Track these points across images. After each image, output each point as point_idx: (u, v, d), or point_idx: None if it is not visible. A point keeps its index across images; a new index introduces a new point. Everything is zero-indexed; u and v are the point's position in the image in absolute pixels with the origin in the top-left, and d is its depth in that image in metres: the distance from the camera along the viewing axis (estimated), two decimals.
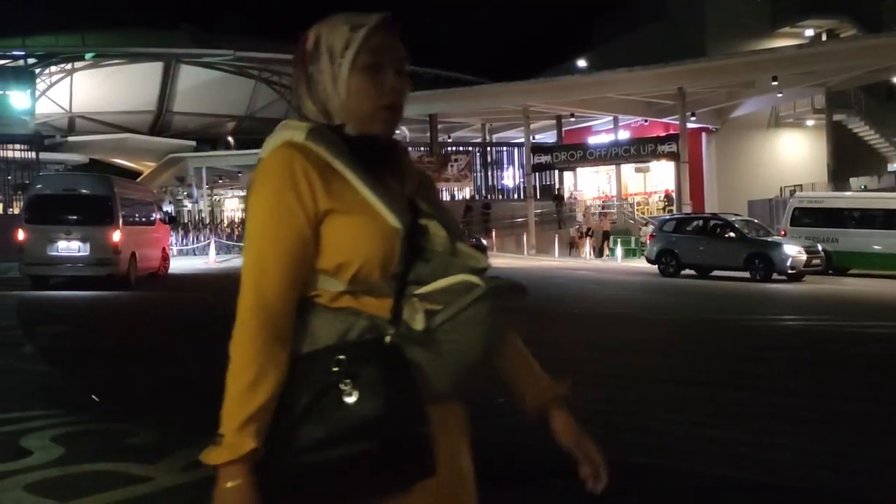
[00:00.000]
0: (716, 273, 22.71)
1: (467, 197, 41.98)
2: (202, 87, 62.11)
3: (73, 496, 4.59)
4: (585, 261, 30.47)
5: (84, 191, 18.68)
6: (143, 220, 21.32)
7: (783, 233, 23.69)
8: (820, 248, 22.17)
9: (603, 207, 40.52)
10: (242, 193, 69.94)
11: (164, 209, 29.58)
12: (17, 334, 11.20)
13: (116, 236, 18.01)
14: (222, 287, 19.79)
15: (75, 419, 6.32)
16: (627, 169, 39.87)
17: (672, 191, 38.05)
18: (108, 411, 6.78)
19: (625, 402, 7.16)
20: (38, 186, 19.65)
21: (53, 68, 55.64)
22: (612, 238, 32.97)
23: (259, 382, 1.45)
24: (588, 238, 32.87)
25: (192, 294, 18.59)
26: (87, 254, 17.90)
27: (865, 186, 32.82)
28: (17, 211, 36.28)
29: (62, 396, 7.40)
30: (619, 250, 30.63)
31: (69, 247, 17.94)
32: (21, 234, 17.93)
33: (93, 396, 7.27)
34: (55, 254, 17.91)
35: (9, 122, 37.41)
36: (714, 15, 39.95)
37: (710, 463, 5.40)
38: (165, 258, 22.87)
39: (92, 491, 4.68)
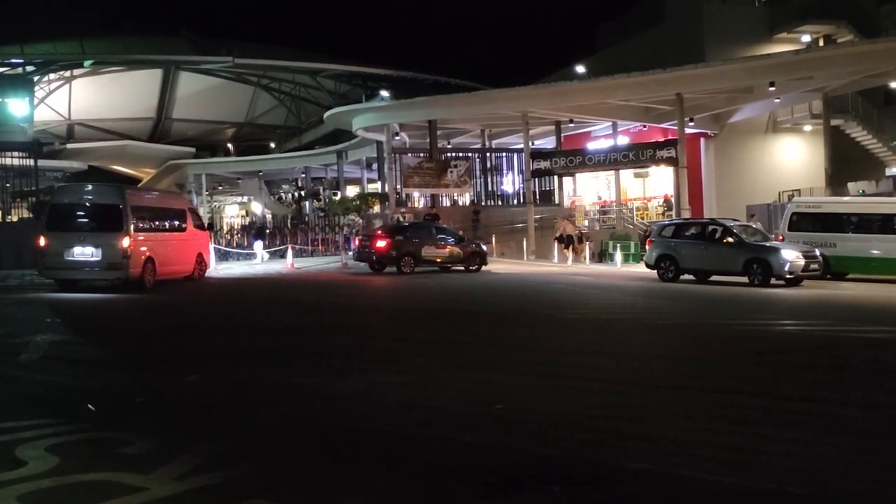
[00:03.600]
0: (714, 278, 22.71)
1: (468, 202, 41.95)
2: (201, 93, 62.19)
3: None
4: (585, 266, 30.45)
5: (97, 200, 19.88)
6: (167, 227, 21.99)
7: (781, 237, 23.67)
8: (818, 252, 22.14)
9: (591, 213, 40.44)
10: (242, 200, 70.21)
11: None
12: (13, 342, 11.17)
13: (125, 242, 18.99)
14: (240, 295, 19.84)
15: (71, 428, 6.31)
16: (626, 174, 39.88)
17: (671, 196, 38.06)
18: (104, 420, 6.77)
19: (624, 408, 7.15)
20: (58, 196, 21.43)
21: (52, 75, 55.63)
22: (608, 243, 32.87)
23: None
24: (588, 243, 32.83)
25: (201, 300, 18.57)
26: (98, 259, 19.04)
27: (863, 191, 32.81)
28: (15, 219, 36.34)
29: (58, 405, 7.38)
30: (618, 255, 30.62)
31: (83, 252, 19.03)
32: (42, 241, 19.22)
33: (88, 405, 7.25)
34: (71, 258, 19.03)
35: (7, 130, 37.44)
36: (712, 21, 39.99)
37: (709, 469, 5.39)
38: (201, 263, 23.38)
39: (86, 501, 4.67)
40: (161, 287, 20.13)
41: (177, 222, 22.50)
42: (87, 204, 19.88)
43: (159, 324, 14.12)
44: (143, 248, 19.78)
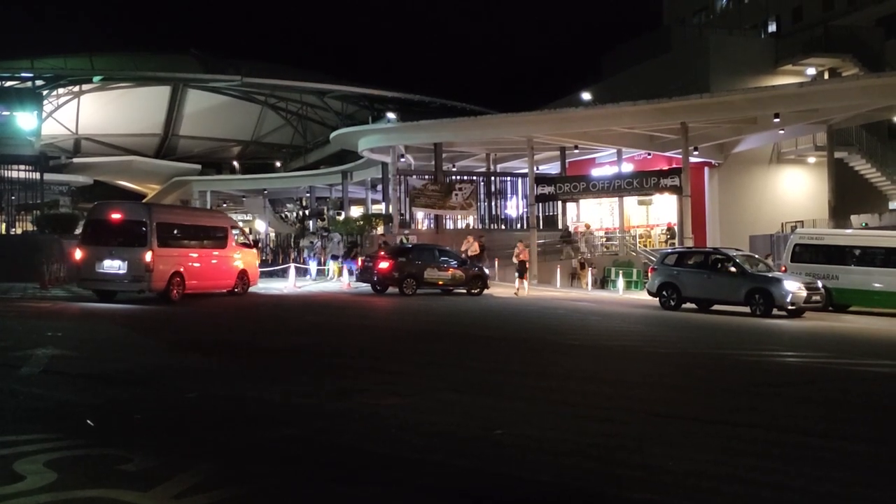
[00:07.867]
0: (716, 307, 22.69)
1: (471, 225, 41.99)
2: (209, 111, 62.52)
3: None
4: (588, 292, 30.44)
5: (126, 217, 21.23)
6: (203, 243, 23.04)
7: (783, 268, 23.68)
8: (820, 284, 22.16)
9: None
10: (246, 217, 70.30)
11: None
12: (14, 356, 11.15)
13: (148, 257, 20.16)
14: (249, 313, 19.84)
15: (70, 444, 6.30)
16: (630, 201, 39.97)
17: (674, 224, 38.09)
18: (103, 436, 6.76)
19: (624, 437, 7.12)
20: (92, 213, 22.98)
21: (61, 90, 55.99)
22: (611, 270, 32.81)
23: None
24: (590, 270, 32.79)
25: (218, 318, 18.56)
26: (125, 272, 20.34)
27: (866, 224, 32.87)
28: (20, 231, 36.41)
29: (57, 420, 7.37)
30: (620, 282, 30.61)
31: (112, 265, 20.40)
32: (78, 253, 20.83)
33: (88, 421, 7.24)
34: (102, 271, 20.45)
35: (14, 143, 37.63)
36: (718, 52, 40.28)
37: (708, 501, 5.37)
38: (244, 278, 24.01)
39: None
40: (189, 301, 20.85)
41: (215, 239, 23.39)
42: (117, 220, 21.12)
43: (166, 339, 14.07)
44: (169, 263, 20.70)
